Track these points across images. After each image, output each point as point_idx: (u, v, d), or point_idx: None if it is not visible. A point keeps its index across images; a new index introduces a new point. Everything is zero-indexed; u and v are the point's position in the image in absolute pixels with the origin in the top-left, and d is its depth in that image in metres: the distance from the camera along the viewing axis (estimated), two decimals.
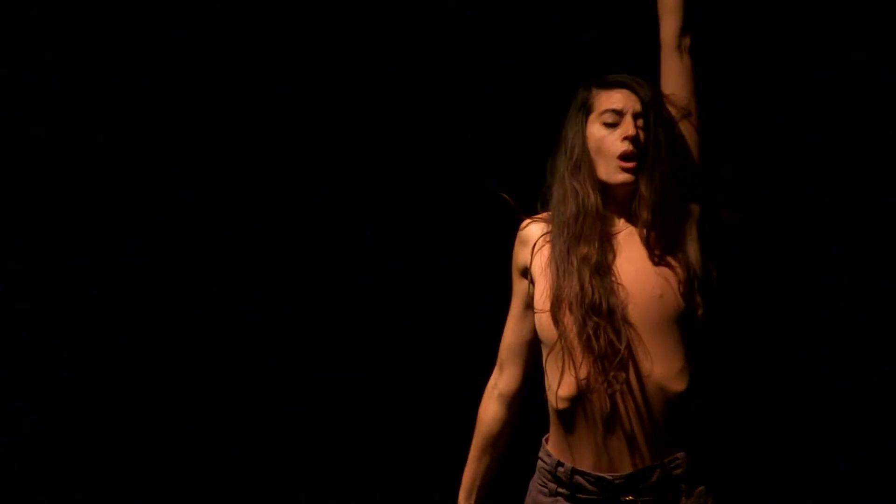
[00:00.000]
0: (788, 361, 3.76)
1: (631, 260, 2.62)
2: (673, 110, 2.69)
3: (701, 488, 2.62)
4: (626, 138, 2.60)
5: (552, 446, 2.67)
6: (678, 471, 2.60)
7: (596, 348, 2.54)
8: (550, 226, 2.67)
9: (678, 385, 2.58)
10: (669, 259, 2.62)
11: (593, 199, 2.61)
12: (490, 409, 2.80)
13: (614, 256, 2.62)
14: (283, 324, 4.00)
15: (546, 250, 2.65)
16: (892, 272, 3.73)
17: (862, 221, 3.75)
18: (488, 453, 2.81)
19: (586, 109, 2.66)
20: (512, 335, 2.78)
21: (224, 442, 4.01)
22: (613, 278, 2.58)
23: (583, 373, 2.55)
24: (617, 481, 2.58)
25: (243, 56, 3.93)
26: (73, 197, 3.95)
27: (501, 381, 2.80)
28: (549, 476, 2.66)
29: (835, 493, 3.73)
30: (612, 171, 2.62)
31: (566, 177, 2.65)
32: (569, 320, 2.56)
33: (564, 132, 2.68)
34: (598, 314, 2.54)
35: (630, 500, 2.58)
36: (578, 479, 2.61)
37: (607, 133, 2.62)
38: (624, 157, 2.60)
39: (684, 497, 2.61)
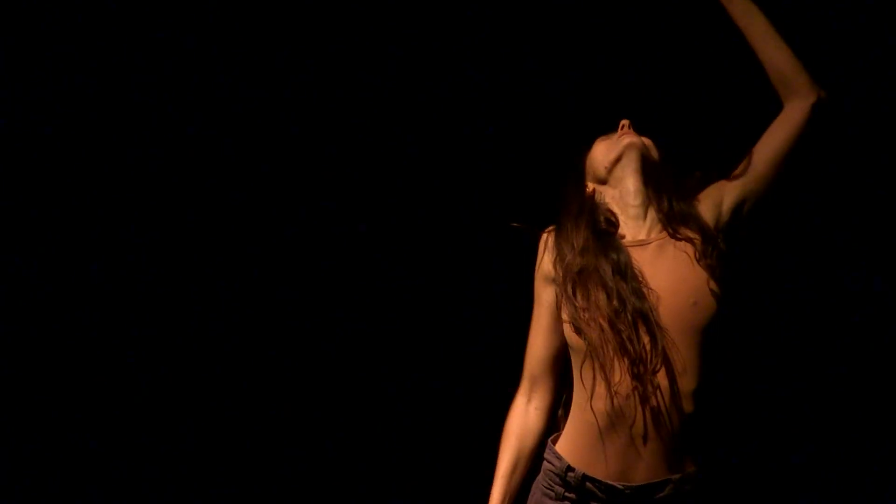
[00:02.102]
0: (799, 374, 3.76)
1: (663, 267, 2.62)
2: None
3: None
4: (622, 126, 2.75)
5: (564, 450, 2.65)
6: (688, 486, 2.59)
7: (631, 351, 2.53)
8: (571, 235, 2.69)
9: (699, 397, 2.57)
10: (701, 266, 2.61)
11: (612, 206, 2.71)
12: (527, 424, 2.73)
13: (644, 263, 2.62)
14: (283, 324, 4.01)
15: (569, 258, 2.65)
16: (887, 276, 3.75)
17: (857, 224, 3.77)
18: (521, 468, 2.74)
19: (582, 153, 2.79)
20: (543, 349, 2.73)
21: (224, 442, 4.02)
22: (642, 284, 2.58)
23: (616, 377, 2.54)
24: (628, 491, 2.57)
25: (236, 56, 3.94)
26: (67, 196, 3.96)
27: (536, 396, 2.74)
28: (558, 479, 2.64)
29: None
30: (617, 144, 2.72)
31: (573, 211, 2.71)
32: (598, 328, 2.55)
33: (566, 188, 2.77)
34: (631, 318, 2.54)
35: None
36: (589, 485, 2.60)
37: (608, 142, 2.76)
38: (622, 132, 2.74)
39: None
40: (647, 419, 2.54)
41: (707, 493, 2.61)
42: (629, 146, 2.71)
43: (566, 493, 2.63)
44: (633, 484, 2.57)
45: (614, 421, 2.55)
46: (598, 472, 2.59)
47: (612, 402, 2.54)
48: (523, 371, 2.76)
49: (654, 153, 2.74)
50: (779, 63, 2.66)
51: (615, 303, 2.55)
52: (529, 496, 2.72)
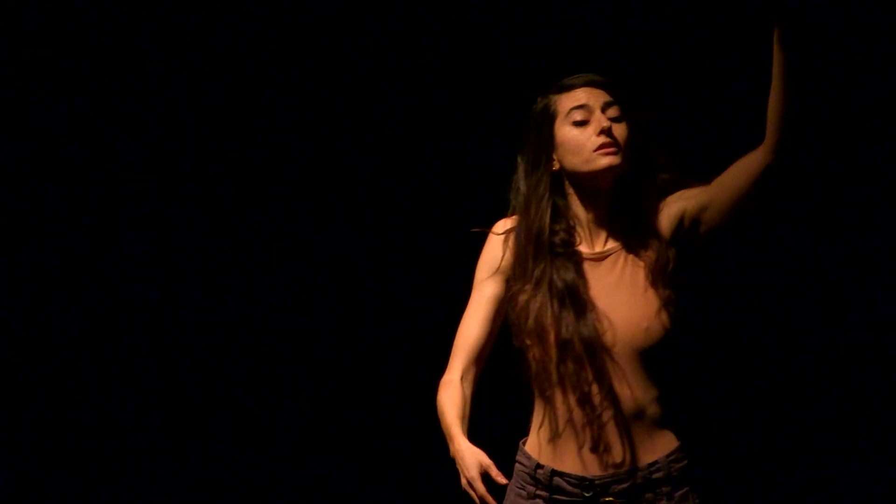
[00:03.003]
0: (774, 363, 3.77)
1: (617, 287, 2.57)
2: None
3: (684, 490, 2.60)
4: (601, 132, 2.52)
5: (532, 448, 2.65)
6: (659, 474, 2.58)
7: (573, 380, 2.53)
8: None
9: (661, 403, 2.57)
10: (657, 287, 2.55)
11: (565, 212, 2.59)
12: (464, 394, 2.60)
13: (597, 281, 2.57)
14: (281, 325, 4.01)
15: (523, 276, 2.58)
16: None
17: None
18: (465, 426, 2.59)
19: (550, 116, 2.58)
20: (479, 337, 2.65)
21: (222, 441, 4.02)
22: (591, 309, 2.53)
23: (563, 395, 2.55)
24: (598, 482, 2.57)
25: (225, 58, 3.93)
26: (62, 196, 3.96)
27: (468, 376, 2.64)
28: (528, 478, 2.63)
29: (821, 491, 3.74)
30: (593, 161, 2.53)
31: (533, 192, 2.59)
32: (539, 349, 2.55)
33: (528, 145, 2.62)
34: (569, 348, 2.52)
35: (610, 501, 2.56)
36: (558, 480, 2.59)
37: (580, 132, 2.55)
38: (602, 147, 2.52)
39: (665, 499, 2.58)
40: (603, 425, 2.55)
41: (682, 478, 2.59)
42: (606, 170, 2.55)
43: (538, 491, 2.62)
44: (602, 474, 2.57)
45: (572, 424, 2.56)
46: (565, 466, 2.58)
47: (567, 409, 2.55)
48: (454, 354, 2.66)
49: (630, 165, 2.57)
50: (782, 108, 2.43)
51: (563, 332, 2.53)
52: (504, 500, 2.69)
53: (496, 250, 2.65)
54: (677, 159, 2.62)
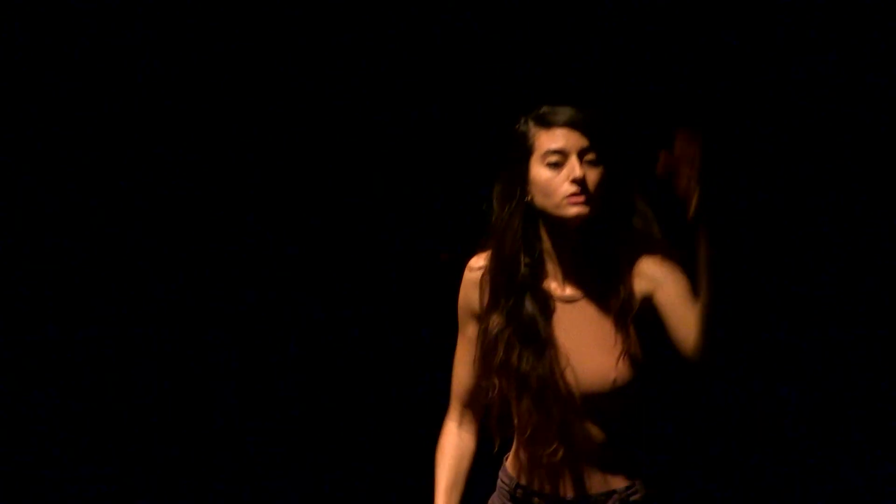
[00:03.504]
0: (750, 386, 3.77)
1: (581, 329, 2.56)
2: None
3: None
4: (573, 180, 2.48)
5: (512, 467, 2.68)
6: (636, 496, 2.59)
7: (534, 423, 2.55)
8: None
9: (632, 437, 2.59)
10: (621, 330, 2.53)
11: (534, 251, 2.56)
12: (461, 445, 2.70)
13: (567, 325, 2.56)
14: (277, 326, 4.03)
15: (491, 317, 2.58)
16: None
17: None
18: (460, 486, 2.70)
19: (527, 150, 2.54)
20: (468, 378, 2.68)
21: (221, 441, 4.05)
22: (551, 347, 2.53)
23: (529, 430, 2.57)
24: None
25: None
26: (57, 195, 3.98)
27: (467, 420, 2.71)
28: (508, 496, 2.67)
29: None
30: (562, 208, 2.50)
31: (507, 224, 2.56)
32: (504, 381, 2.55)
33: (504, 172, 2.59)
34: (527, 383, 2.53)
35: None
36: (535, 500, 2.62)
37: (553, 175, 2.51)
38: (572, 196, 2.49)
39: None
40: (576, 451, 2.56)
41: (657, 501, 2.61)
42: (574, 219, 2.51)
43: None
44: (578, 495, 2.58)
45: (545, 448, 2.57)
46: (543, 487, 2.60)
47: (536, 439, 2.57)
48: (451, 397, 2.72)
49: (601, 210, 2.53)
50: (705, 312, 2.41)
51: (522, 366, 2.53)
52: None
53: (471, 294, 2.65)
54: (655, 202, 2.59)
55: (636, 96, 3.68)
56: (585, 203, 2.49)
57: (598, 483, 2.58)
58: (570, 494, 2.59)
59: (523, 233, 2.55)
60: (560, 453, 2.55)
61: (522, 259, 2.55)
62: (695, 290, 2.41)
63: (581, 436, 2.55)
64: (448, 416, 2.73)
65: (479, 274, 2.63)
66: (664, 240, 2.56)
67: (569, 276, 2.58)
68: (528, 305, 2.55)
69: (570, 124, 2.51)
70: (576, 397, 2.53)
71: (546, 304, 2.56)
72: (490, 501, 2.73)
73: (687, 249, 2.37)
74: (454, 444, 2.71)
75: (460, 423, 2.72)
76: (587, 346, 2.54)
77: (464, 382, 2.70)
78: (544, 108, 2.56)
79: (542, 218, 2.56)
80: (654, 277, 2.52)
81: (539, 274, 2.57)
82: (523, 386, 2.54)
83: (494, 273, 2.59)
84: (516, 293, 2.55)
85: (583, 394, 2.53)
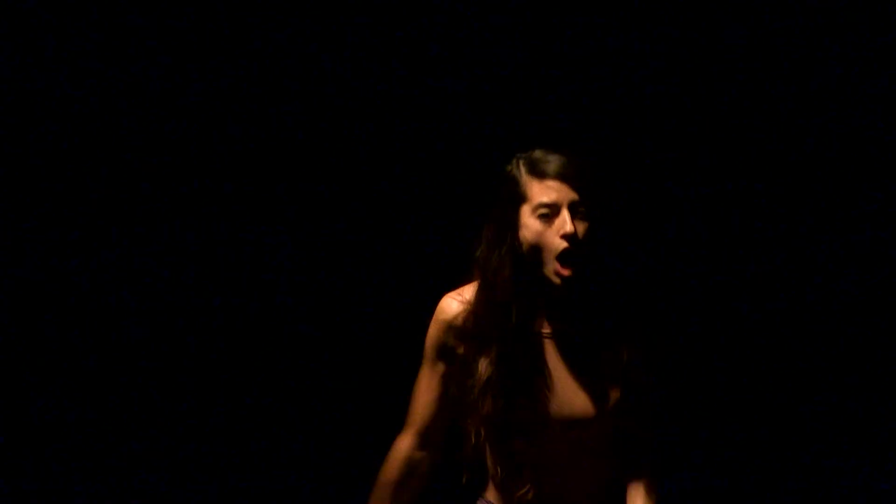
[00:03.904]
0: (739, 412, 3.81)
1: (571, 368, 2.58)
2: None
3: None
4: (564, 236, 2.52)
5: (494, 498, 2.69)
6: None
7: (508, 470, 2.57)
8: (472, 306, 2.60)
9: (606, 479, 2.63)
10: (610, 373, 2.57)
11: (523, 296, 2.56)
12: (416, 470, 2.71)
13: (552, 364, 2.58)
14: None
15: (469, 333, 2.59)
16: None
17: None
18: None
19: (518, 197, 2.57)
20: (433, 408, 2.68)
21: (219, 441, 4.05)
22: (546, 392, 2.56)
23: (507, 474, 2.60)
24: None
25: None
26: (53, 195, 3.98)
27: (428, 446, 2.70)
28: None
29: None
30: (550, 266, 2.54)
31: (498, 269, 2.57)
32: (489, 423, 2.56)
33: (495, 213, 2.61)
34: (526, 438, 2.55)
35: None
36: None
37: (544, 227, 2.54)
38: (563, 256, 2.52)
39: None
40: (561, 489, 2.59)
41: None
42: (559, 287, 2.55)
43: None
44: None
45: (527, 486, 2.59)
46: None
47: (519, 478, 2.59)
48: (410, 420, 2.70)
49: (588, 262, 2.56)
50: None
51: (518, 408, 2.55)
52: None
53: (445, 335, 2.65)
54: (642, 246, 2.63)
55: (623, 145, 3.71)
56: (572, 266, 2.52)
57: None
58: None
59: (514, 280, 2.56)
60: (545, 490, 2.57)
61: (514, 307, 2.56)
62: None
63: (570, 473, 2.59)
64: (402, 437, 2.71)
65: (456, 315, 2.63)
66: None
67: (554, 312, 2.61)
68: (521, 351, 2.56)
69: (563, 177, 2.54)
70: (570, 432, 2.56)
71: (537, 346, 2.58)
72: None
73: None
74: (405, 467, 2.70)
75: (417, 447, 2.70)
76: (577, 377, 2.58)
77: (428, 411, 2.68)
78: (537, 154, 2.59)
79: (531, 265, 2.57)
80: (633, 348, 2.59)
81: (529, 316, 2.59)
82: (513, 431, 2.56)
83: (483, 319, 2.59)
84: (508, 340, 2.56)
85: (575, 426, 2.56)
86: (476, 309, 2.60)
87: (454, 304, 2.64)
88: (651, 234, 2.67)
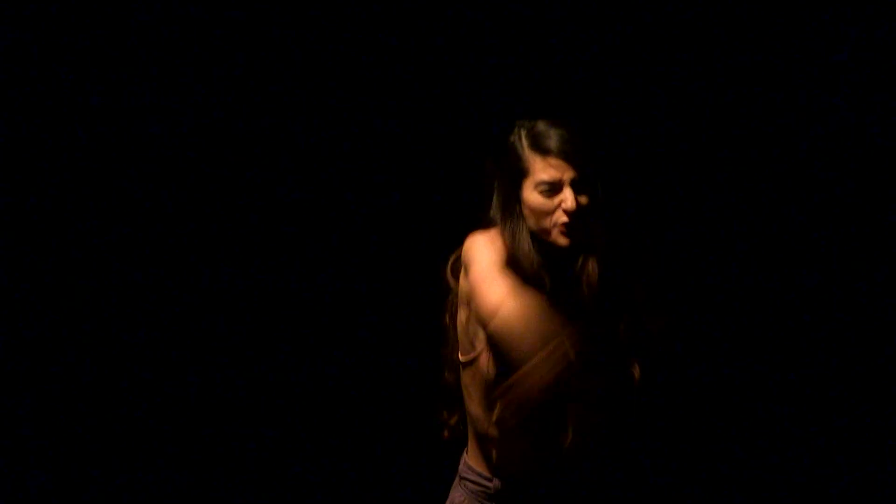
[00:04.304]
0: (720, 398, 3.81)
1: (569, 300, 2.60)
2: None
3: None
4: (565, 211, 2.59)
5: (477, 462, 2.73)
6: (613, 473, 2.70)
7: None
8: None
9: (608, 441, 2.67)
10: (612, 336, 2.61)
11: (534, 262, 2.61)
12: None
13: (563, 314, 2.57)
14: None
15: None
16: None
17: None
18: None
19: (521, 171, 2.64)
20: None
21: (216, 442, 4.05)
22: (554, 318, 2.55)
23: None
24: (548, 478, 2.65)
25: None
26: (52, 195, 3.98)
27: None
28: (484, 496, 2.72)
29: None
30: (553, 237, 2.62)
31: (518, 245, 2.64)
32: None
33: (501, 181, 2.68)
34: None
35: None
36: (511, 484, 2.67)
37: (545, 202, 2.61)
38: (564, 227, 2.60)
39: None
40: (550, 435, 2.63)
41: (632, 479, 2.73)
42: (563, 247, 2.63)
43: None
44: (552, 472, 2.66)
45: (517, 436, 2.63)
46: (517, 471, 2.67)
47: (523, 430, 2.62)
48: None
49: (586, 233, 2.64)
50: None
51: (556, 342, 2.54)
52: None
53: (499, 258, 2.65)
54: (637, 223, 2.69)
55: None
56: (575, 233, 2.60)
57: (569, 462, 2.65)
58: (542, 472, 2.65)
59: (536, 251, 2.63)
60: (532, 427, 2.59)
61: (546, 277, 2.61)
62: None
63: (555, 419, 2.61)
64: None
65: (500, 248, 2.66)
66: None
67: (560, 278, 2.64)
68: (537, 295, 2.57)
69: (564, 154, 2.60)
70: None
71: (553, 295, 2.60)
72: (452, 500, 2.78)
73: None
74: None
75: None
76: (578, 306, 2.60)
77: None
78: (540, 127, 2.64)
79: (536, 233, 2.66)
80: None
81: (543, 267, 2.64)
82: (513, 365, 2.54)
83: (513, 253, 2.63)
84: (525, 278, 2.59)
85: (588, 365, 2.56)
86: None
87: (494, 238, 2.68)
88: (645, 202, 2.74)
